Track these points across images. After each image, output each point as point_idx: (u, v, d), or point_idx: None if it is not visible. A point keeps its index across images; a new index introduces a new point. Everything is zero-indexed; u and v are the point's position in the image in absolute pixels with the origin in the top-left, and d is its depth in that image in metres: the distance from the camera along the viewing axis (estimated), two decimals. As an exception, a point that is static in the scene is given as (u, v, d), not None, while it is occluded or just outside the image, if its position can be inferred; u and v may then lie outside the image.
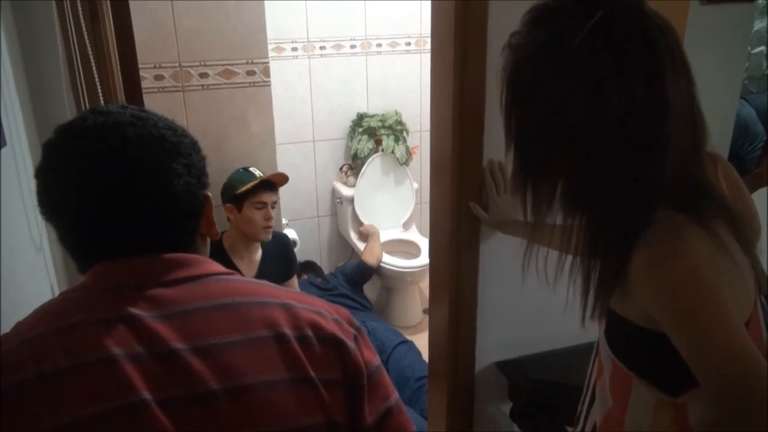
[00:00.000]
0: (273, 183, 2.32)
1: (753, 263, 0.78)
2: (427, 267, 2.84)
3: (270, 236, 2.30)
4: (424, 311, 3.17)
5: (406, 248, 3.15)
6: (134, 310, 0.61)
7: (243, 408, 0.59)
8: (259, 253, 2.38)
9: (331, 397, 0.64)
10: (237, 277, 0.70)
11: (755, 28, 2.33)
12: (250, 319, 0.64)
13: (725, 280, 0.69)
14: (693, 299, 0.68)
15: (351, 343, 0.68)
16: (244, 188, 2.24)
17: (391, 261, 2.93)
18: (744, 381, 0.64)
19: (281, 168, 2.66)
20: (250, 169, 2.38)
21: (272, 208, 2.30)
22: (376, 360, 0.72)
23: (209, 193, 0.74)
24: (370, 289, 3.11)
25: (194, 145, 0.72)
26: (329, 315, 0.70)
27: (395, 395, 0.72)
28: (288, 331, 0.64)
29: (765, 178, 1.75)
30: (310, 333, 0.66)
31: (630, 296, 0.74)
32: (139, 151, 0.65)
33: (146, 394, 0.56)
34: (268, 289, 0.69)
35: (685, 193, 0.73)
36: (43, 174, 0.67)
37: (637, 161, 0.71)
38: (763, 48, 2.46)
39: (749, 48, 2.19)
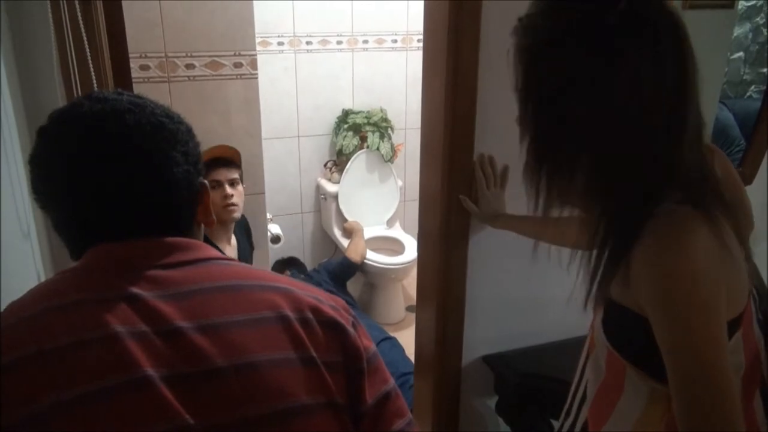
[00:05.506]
0: (225, 159, 2.19)
1: (747, 255, 0.79)
2: (411, 264, 2.85)
3: (235, 215, 2.19)
4: (407, 308, 3.18)
5: (390, 245, 3.15)
6: (136, 290, 0.60)
7: (249, 385, 0.58)
8: (231, 234, 2.29)
9: (332, 378, 0.64)
10: (236, 262, 0.70)
11: (735, 34, 2.38)
12: (253, 301, 0.64)
13: (723, 278, 0.70)
14: (686, 301, 0.68)
15: (350, 328, 0.69)
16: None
17: (375, 258, 2.94)
18: (710, 403, 0.65)
19: (266, 164, 2.64)
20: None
21: (232, 185, 2.19)
22: (373, 346, 0.72)
23: (206, 181, 0.73)
24: (354, 286, 3.11)
25: (189, 132, 0.72)
26: (327, 302, 0.70)
27: (392, 381, 0.73)
28: (290, 313, 0.64)
29: (748, 176, 1.80)
30: (310, 316, 0.66)
31: (630, 285, 0.75)
32: (140, 139, 0.65)
33: (151, 371, 0.55)
34: (269, 275, 0.70)
35: (690, 184, 0.73)
36: (37, 161, 0.65)
37: (656, 145, 0.71)
38: (741, 54, 2.51)
39: (728, 53, 2.23)
